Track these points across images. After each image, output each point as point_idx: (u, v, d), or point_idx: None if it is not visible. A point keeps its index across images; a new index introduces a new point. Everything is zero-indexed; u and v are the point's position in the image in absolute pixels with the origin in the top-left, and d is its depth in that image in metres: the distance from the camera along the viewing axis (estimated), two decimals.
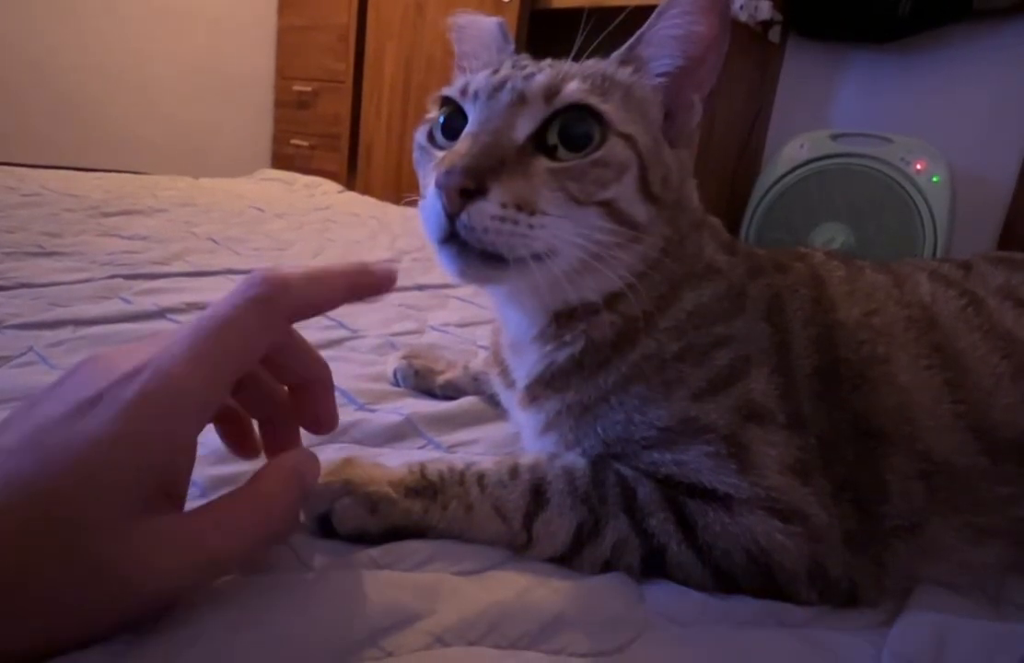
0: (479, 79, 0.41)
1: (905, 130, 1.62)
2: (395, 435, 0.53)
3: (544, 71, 0.41)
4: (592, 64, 0.43)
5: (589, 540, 0.38)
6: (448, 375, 0.64)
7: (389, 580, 0.33)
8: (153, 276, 0.90)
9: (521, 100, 0.39)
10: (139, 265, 0.94)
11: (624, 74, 0.43)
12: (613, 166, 0.39)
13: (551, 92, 0.39)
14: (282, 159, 3.01)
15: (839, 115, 1.95)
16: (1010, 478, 0.40)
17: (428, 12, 2.40)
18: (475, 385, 0.62)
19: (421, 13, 2.41)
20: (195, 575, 0.27)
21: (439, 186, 0.36)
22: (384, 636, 0.29)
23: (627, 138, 0.40)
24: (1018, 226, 1.64)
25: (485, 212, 0.36)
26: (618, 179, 0.39)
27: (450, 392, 0.63)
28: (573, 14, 2.12)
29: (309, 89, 2.91)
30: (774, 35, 1.86)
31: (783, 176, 1.72)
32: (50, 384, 0.29)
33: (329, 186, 2.22)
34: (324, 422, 0.38)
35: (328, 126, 2.84)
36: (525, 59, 0.45)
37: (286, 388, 0.38)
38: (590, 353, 0.43)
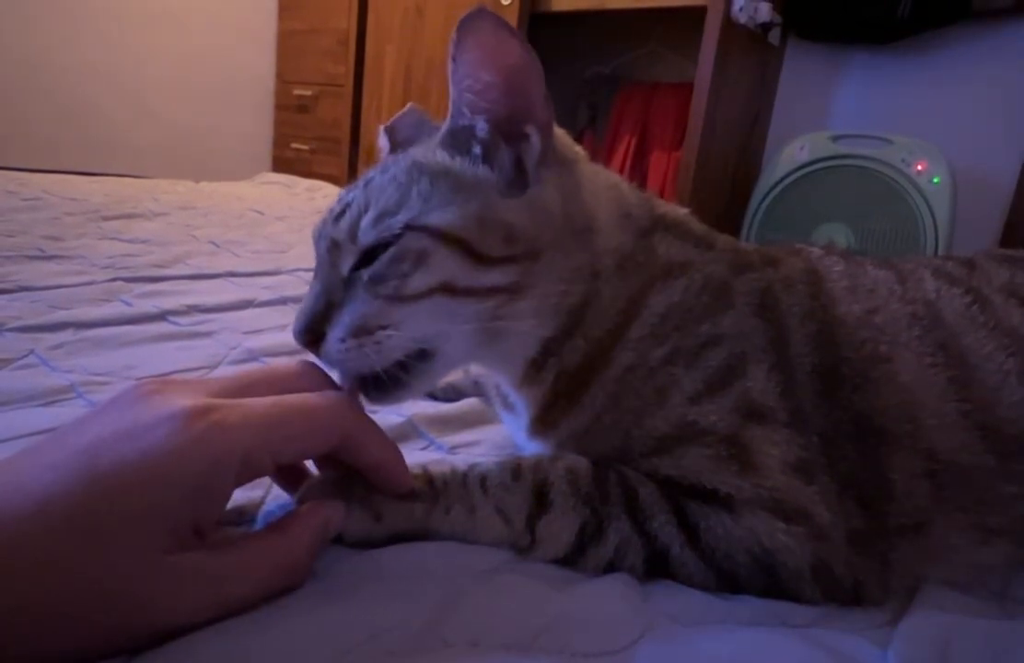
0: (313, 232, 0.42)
1: (905, 131, 1.62)
2: (397, 436, 0.52)
3: (350, 207, 0.40)
4: (404, 161, 0.42)
5: (592, 541, 0.37)
6: (449, 377, 0.64)
7: (391, 579, 0.33)
8: (154, 279, 0.90)
9: (336, 246, 0.40)
10: (140, 268, 0.94)
11: (442, 157, 0.41)
12: (409, 257, 0.38)
13: (352, 234, 0.39)
14: (282, 163, 3.02)
15: (839, 117, 1.95)
16: (1017, 476, 0.39)
17: (428, 15, 2.40)
18: (476, 387, 0.62)
19: (421, 16, 2.41)
20: (212, 614, 0.28)
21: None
22: (386, 635, 0.29)
23: (423, 229, 0.38)
24: (1019, 227, 1.64)
25: (331, 351, 0.38)
26: (419, 266, 0.38)
27: (451, 394, 0.62)
28: (573, 17, 2.13)
29: (309, 93, 2.92)
30: (774, 37, 1.86)
31: (783, 178, 1.72)
32: (91, 411, 0.29)
33: (330, 189, 2.22)
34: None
35: (328, 130, 2.84)
36: (369, 173, 0.43)
37: None
38: (565, 380, 0.43)
